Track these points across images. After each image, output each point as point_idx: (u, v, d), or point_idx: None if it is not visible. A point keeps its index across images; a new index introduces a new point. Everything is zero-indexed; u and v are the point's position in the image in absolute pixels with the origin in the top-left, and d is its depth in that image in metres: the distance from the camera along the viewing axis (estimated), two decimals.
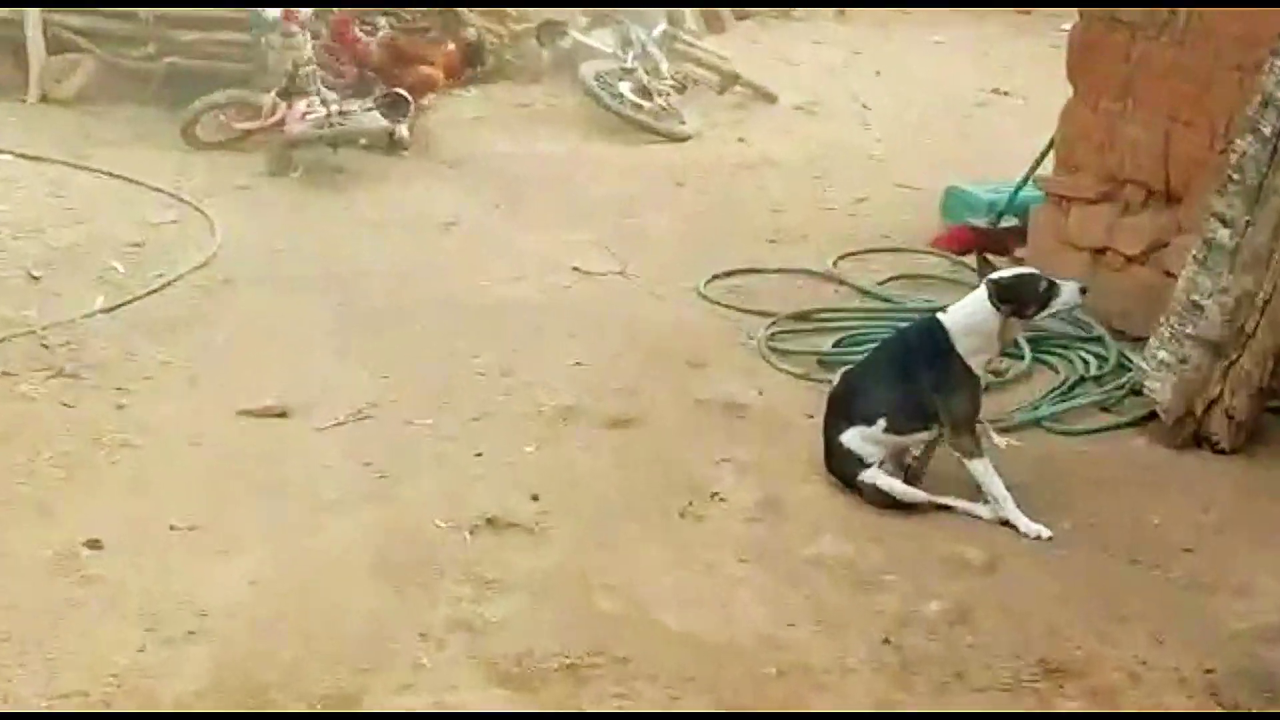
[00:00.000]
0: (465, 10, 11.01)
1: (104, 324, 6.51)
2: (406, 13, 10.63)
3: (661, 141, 10.33)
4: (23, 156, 8.92)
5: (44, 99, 10.08)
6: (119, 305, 6.70)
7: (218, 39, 9.94)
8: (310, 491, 5.15)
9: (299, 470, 5.29)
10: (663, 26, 11.70)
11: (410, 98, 9.31)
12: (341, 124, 9.01)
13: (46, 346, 6.19)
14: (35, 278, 6.97)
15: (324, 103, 9.22)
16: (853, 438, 5.22)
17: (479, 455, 5.49)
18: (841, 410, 5.32)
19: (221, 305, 6.86)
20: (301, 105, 9.12)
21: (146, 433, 5.49)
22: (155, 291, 6.91)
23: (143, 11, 9.86)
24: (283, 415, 5.73)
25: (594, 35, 11.71)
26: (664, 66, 11.25)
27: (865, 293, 7.42)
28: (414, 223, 8.30)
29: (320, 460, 5.39)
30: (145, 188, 8.49)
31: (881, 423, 5.19)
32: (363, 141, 9.35)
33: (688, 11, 13.24)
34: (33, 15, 9.98)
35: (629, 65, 10.90)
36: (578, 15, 12.14)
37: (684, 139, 10.45)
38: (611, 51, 11.16)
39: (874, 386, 5.30)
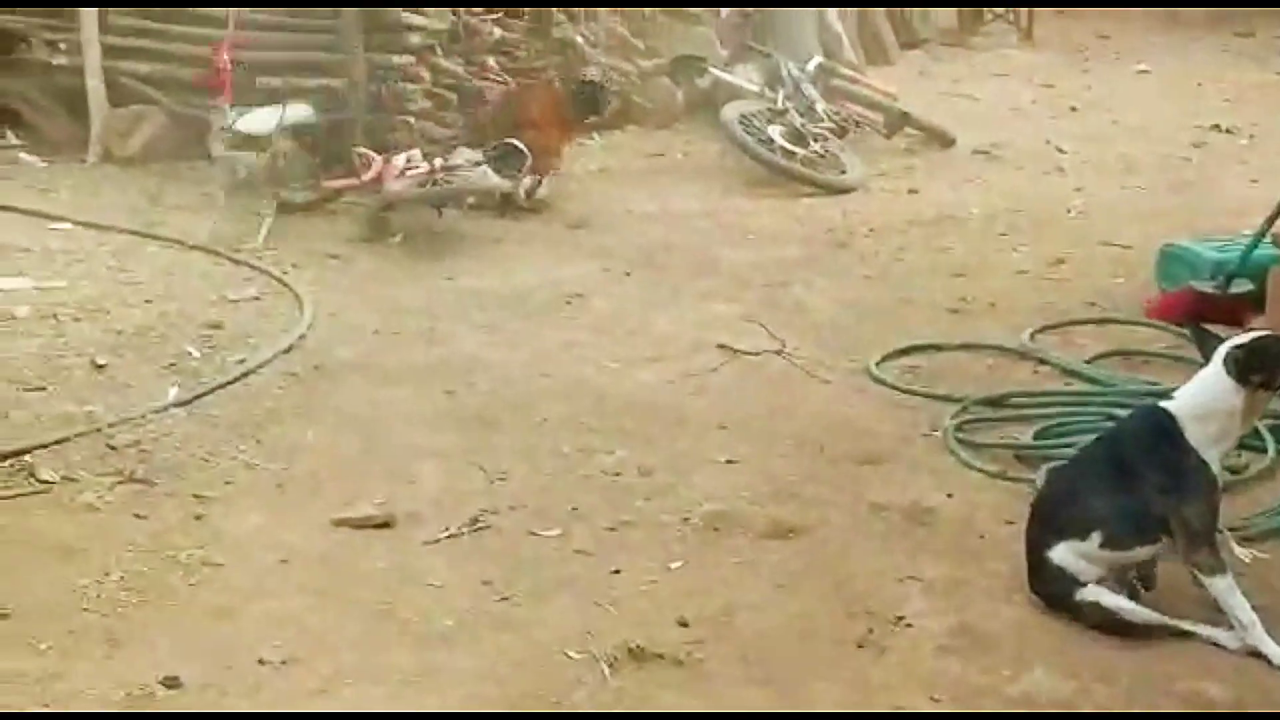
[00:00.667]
0: (586, 45, 11.09)
1: (178, 420, 6.56)
2: (519, 47, 10.72)
3: (819, 194, 10.33)
4: (83, 225, 9.09)
5: (107, 157, 10.29)
6: (195, 398, 6.76)
7: (306, 86, 10.07)
8: (420, 617, 5.11)
9: (406, 592, 5.26)
10: (818, 60, 11.74)
11: (525, 149, 9.36)
12: (447, 181, 9.08)
13: (113, 447, 6.24)
14: (100, 366, 7.06)
15: (426, 156, 9.32)
16: (1063, 554, 5.08)
17: (616, 573, 5.42)
18: (1048, 521, 5.19)
19: (312, 396, 6.89)
20: (400, 159, 9.22)
21: (229, 548, 5.50)
22: (236, 381, 6.96)
23: (219, 53, 9.98)
24: (385, 526, 5.71)
25: (737, 71, 11.75)
26: (820, 106, 11.28)
27: (1070, 373, 7.30)
28: (532, 296, 8.32)
29: (430, 579, 5.36)
30: (222, 258, 8.61)
31: (1096, 537, 5.05)
32: (471, 201, 9.42)
33: (846, 41, 13.25)
34: (93, 63, 10.21)
35: (779, 106, 10.91)
36: (718, 48, 12.21)
37: (846, 191, 10.44)
38: (758, 90, 11.18)
39: (1086, 492, 5.16)
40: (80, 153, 10.37)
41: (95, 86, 10.27)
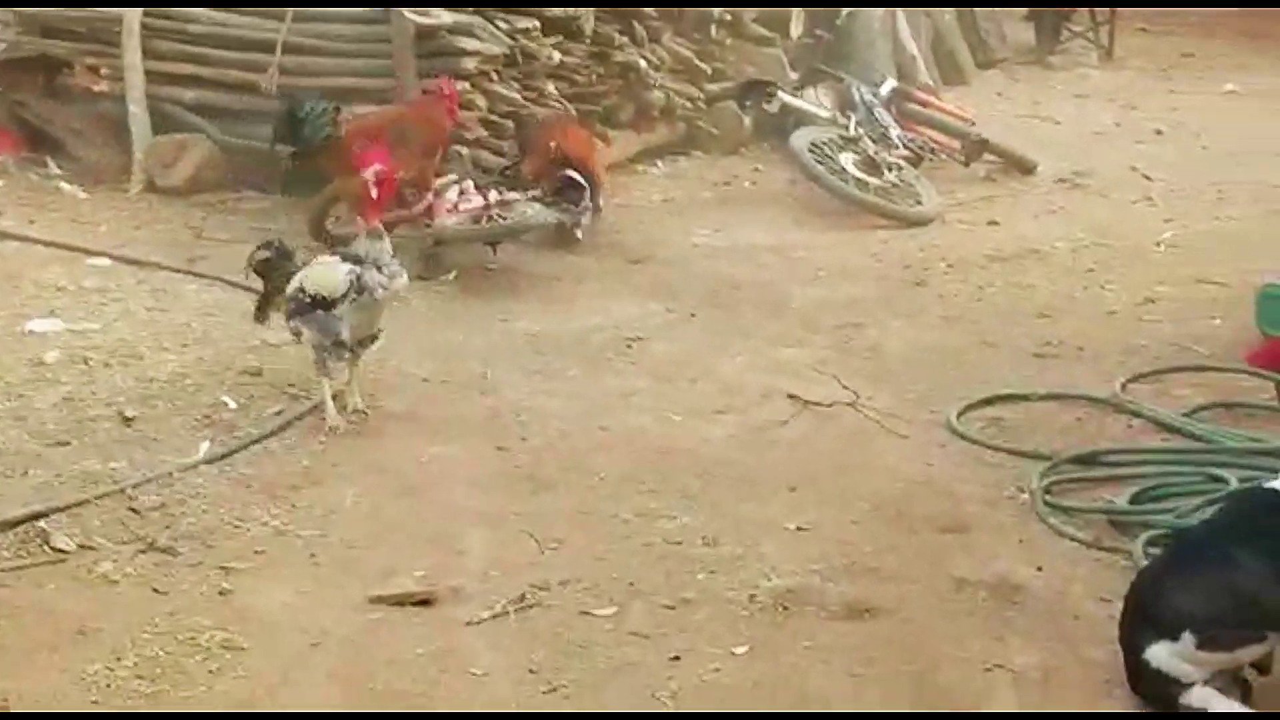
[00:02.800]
0: (648, 68, 10.67)
1: (208, 479, 6.17)
2: (580, 72, 10.30)
3: (894, 226, 9.90)
4: (122, 260, 8.73)
5: (150, 188, 9.95)
6: (227, 454, 6.37)
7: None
8: (460, 708, 4.70)
9: (445, 681, 4.85)
10: (892, 83, 11.33)
11: (585, 182, 8.95)
12: (502, 217, 8.68)
13: (136, 510, 5.85)
14: (128, 419, 6.67)
15: (480, 188, 8.93)
16: (1160, 656, 4.59)
17: (675, 659, 4.99)
18: (1141, 617, 4.70)
19: (352, 453, 6.49)
20: (453, 192, 8.82)
21: (255, 629, 5.09)
22: (272, 435, 6.57)
23: (264, 81, 9.62)
24: (426, 603, 5.30)
25: (807, 96, 11.31)
26: (894, 133, 10.84)
27: (1168, 427, 6.81)
28: (589, 339, 7.92)
29: (472, 666, 4.94)
30: None
31: (1189, 638, 4.54)
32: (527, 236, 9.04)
33: (921, 62, 12.79)
34: (135, 89, 9.87)
35: (851, 133, 10.46)
36: (787, 70, 11.77)
37: (922, 223, 10.00)
38: (829, 115, 10.73)
39: (1176, 587, 4.67)
40: (123, 183, 10.01)
41: (137, 114, 9.92)
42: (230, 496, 6.03)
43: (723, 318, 8.30)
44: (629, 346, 7.84)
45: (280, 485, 6.15)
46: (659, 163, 11.33)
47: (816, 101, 11.29)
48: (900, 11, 12.89)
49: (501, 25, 9.82)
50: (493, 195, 8.79)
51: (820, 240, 9.68)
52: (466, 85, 9.45)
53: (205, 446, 6.43)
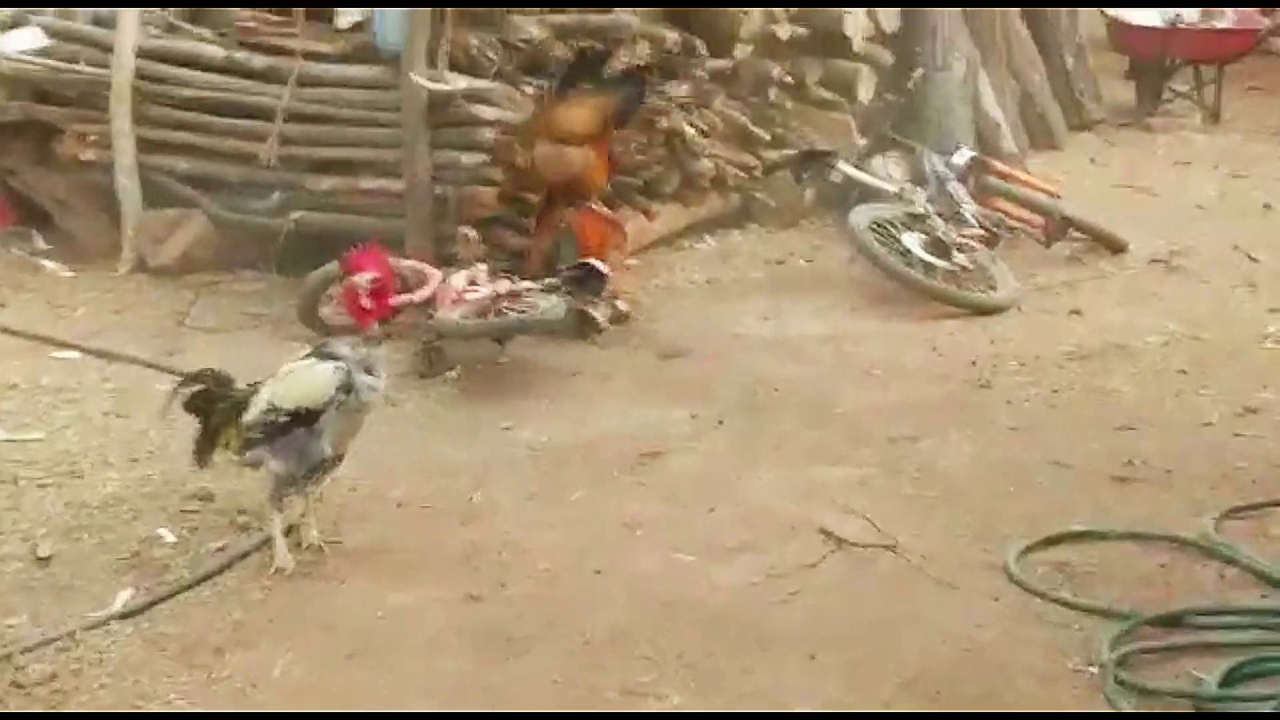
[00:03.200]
0: (695, 135, 9.70)
1: (118, 639, 5.26)
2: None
3: (963, 315, 8.86)
4: (90, 353, 7.86)
5: (140, 266, 9.09)
6: (148, 605, 5.44)
7: (363, 187, 8.76)
8: None
9: None
10: (968, 153, 10.30)
11: (606, 271, 7.97)
12: (511, 311, 7.73)
13: (21, 685, 4.93)
14: (42, 559, 5.76)
15: (496, 273, 8.01)
16: None
17: None
18: None
19: (296, 603, 5.55)
20: (460, 279, 7.89)
21: None
22: (205, 580, 5.63)
23: (264, 151, 8.73)
24: None
25: (874, 167, 10.28)
26: (968, 209, 9.80)
27: (1270, 580, 5.73)
28: (599, 451, 6.96)
29: None
30: None
31: None
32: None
33: (1005, 128, 11.76)
34: (125, 158, 9.01)
35: (918, 209, 9.42)
36: (855, 138, 10.78)
37: (994, 311, 8.96)
38: (896, 190, 9.73)
39: None
40: (112, 260, 9.15)
41: (127, 186, 9.06)
42: (139, 663, 5.12)
43: (756, 425, 7.30)
44: (643, 463, 6.85)
45: (202, 648, 5.22)
46: (708, 238, 10.35)
47: (885, 173, 10.27)
48: (983, 73, 11.84)
49: (529, 90, 8.88)
50: (503, 284, 7.83)
51: (878, 331, 8.66)
52: (484, 158, 8.51)
53: (124, 596, 5.53)
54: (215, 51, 9.02)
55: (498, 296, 7.73)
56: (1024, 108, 13.03)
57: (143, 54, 9.05)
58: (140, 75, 9.04)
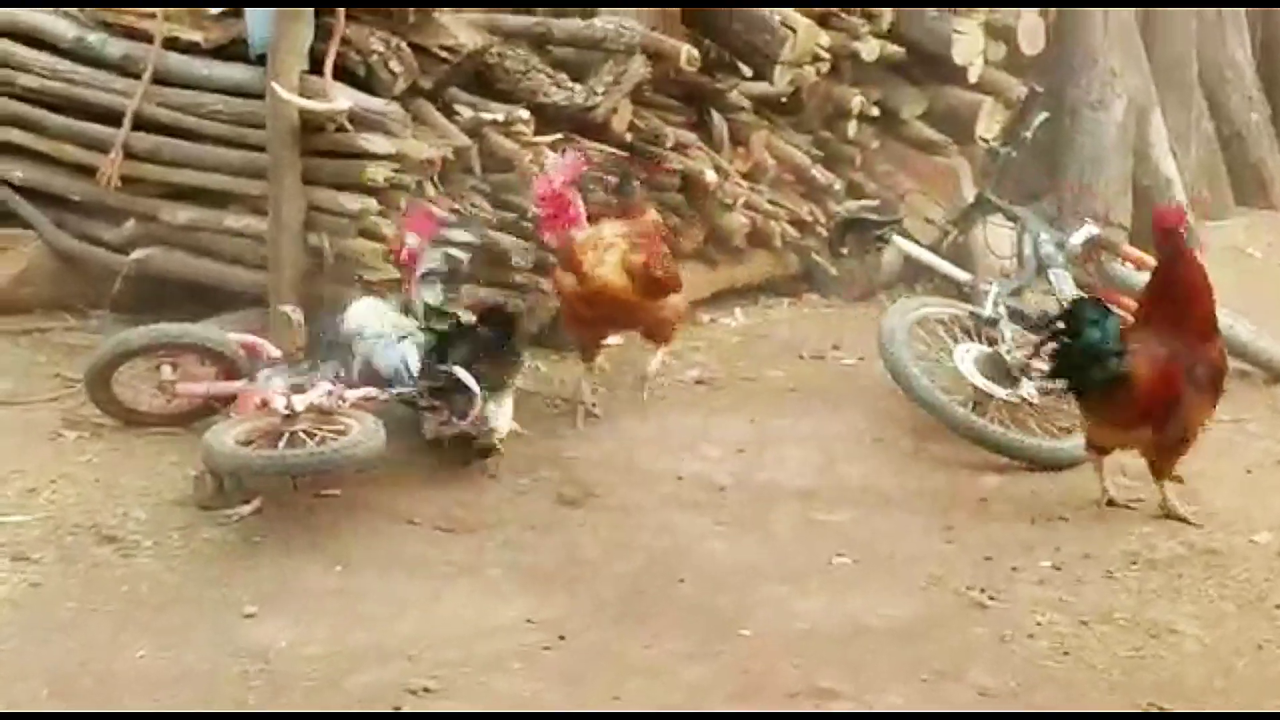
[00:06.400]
0: (720, 181, 7.47)
1: None
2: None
3: (1016, 468, 6.45)
4: None
5: None
6: None
7: (229, 225, 6.76)
8: None
9: None
10: (1090, 230, 7.74)
11: (475, 389, 5.83)
12: (313, 437, 5.65)
13: None
14: None
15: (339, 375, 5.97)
16: None
17: None
18: None
19: None
20: (279, 379, 5.85)
21: None
22: None
23: (105, 167, 6.78)
24: None
25: (974, 239, 7.93)
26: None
27: None
28: (348, 682, 4.82)
29: None
30: None
31: None
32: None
33: (1179, 187, 9.24)
34: None
35: (988, 311, 7.04)
36: (963, 185, 8.42)
37: (1060, 466, 6.56)
38: (966, 279, 7.38)
39: None
40: None
41: None
42: None
43: (612, 647, 5.08)
44: (398, 708, 4.71)
45: None
46: (739, 311, 8.10)
47: (984, 248, 7.92)
48: (1156, 114, 9.35)
49: (464, 114, 6.77)
50: (316, 392, 5.73)
51: (881, 485, 6.36)
52: (372, 202, 6.43)
53: None
54: (65, 29, 7.05)
55: (293, 414, 5.61)
56: (1233, 154, 10.49)
57: None
58: None
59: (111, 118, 6.94)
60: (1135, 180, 9.17)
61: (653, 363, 6.91)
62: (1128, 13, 9.39)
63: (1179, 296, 6.23)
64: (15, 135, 7.21)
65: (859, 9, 8.30)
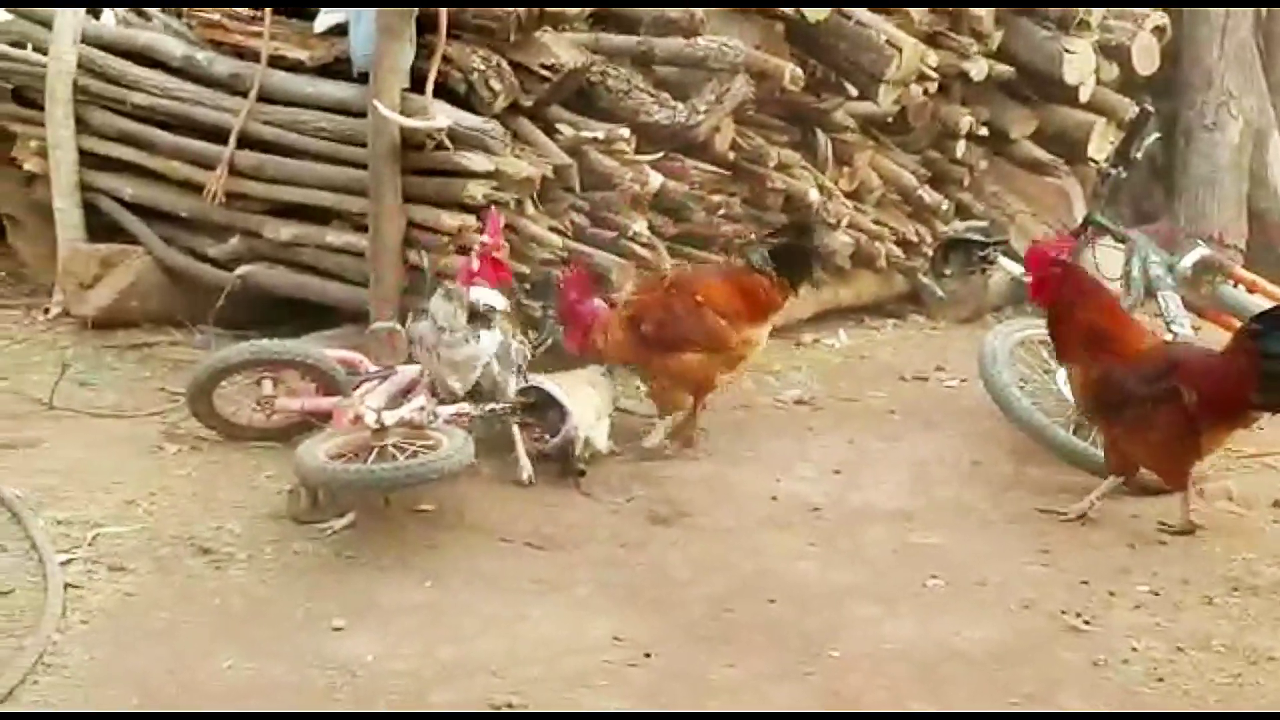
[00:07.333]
0: (824, 201, 7.46)
1: None
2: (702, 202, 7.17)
3: (1132, 496, 6.38)
4: None
5: (67, 311, 7.34)
6: None
7: (330, 241, 6.84)
8: None
9: None
10: (1201, 252, 7.65)
11: (562, 400, 5.86)
12: (403, 451, 5.69)
13: None
14: None
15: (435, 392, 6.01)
16: None
17: None
18: None
19: None
20: (378, 395, 5.92)
21: None
22: None
23: (211, 183, 6.88)
24: None
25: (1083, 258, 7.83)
26: (1180, 331, 7.24)
27: None
28: (431, 693, 4.86)
29: None
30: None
31: None
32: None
33: None
34: (63, 174, 7.27)
35: None
36: (1074, 206, 8.35)
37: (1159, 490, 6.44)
38: None
39: None
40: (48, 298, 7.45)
41: (64, 208, 7.31)
42: None
43: (696, 667, 5.08)
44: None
45: None
46: (843, 332, 8.08)
47: (1094, 270, 7.82)
48: (1276, 135, 9.22)
49: (565, 132, 6.81)
50: (407, 407, 5.78)
51: (977, 508, 6.32)
52: (471, 220, 6.49)
53: None
54: (175, 47, 7.17)
55: (383, 429, 5.66)
56: None
57: (90, 44, 7.28)
58: (87, 70, 7.26)
59: (218, 135, 7.07)
60: (1252, 203, 9.04)
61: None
62: (1246, 33, 9.26)
63: None
64: (126, 152, 7.32)
65: (969, 28, 8.25)
